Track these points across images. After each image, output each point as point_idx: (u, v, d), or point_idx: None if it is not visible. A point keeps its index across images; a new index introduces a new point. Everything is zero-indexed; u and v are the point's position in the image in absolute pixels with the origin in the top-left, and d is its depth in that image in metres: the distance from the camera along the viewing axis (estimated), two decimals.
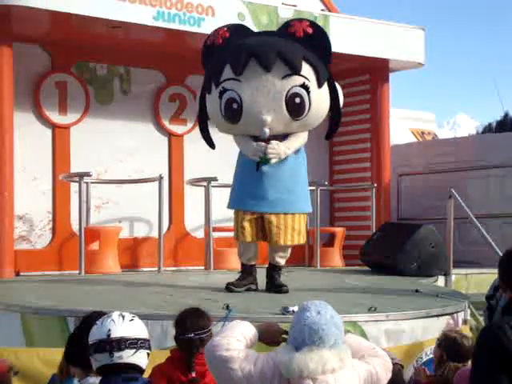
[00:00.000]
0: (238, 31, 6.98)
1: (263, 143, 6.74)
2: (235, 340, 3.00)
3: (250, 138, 6.83)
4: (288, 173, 6.90)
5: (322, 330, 2.90)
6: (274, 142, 6.75)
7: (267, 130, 6.69)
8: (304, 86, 6.78)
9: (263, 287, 7.06)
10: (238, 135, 6.94)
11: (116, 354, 3.01)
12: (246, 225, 6.90)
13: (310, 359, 2.87)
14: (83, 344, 3.15)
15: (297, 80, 6.77)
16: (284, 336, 3.13)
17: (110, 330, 3.03)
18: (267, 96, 6.73)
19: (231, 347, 2.97)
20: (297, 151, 6.96)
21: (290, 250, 7.11)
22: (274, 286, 7.01)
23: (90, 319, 3.35)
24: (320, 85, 6.84)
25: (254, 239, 6.97)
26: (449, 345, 4.71)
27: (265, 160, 6.76)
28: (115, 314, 3.11)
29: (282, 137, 6.84)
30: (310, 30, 6.84)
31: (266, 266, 7.19)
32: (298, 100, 6.77)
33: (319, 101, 6.87)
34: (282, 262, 7.12)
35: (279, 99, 6.73)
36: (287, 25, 7.01)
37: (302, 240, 7.08)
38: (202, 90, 6.99)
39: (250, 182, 6.86)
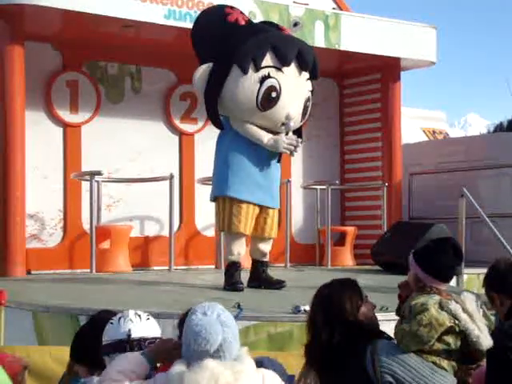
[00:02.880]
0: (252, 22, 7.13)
1: (293, 135, 6.95)
2: (110, 381, 2.85)
3: (264, 131, 6.90)
4: (279, 168, 7.19)
5: (205, 330, 2.73)
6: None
7: (292, 124, 6.89)
8: (312, 92, 7.13)
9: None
10: (252, 125, 6.88)
11: None
12: (253, 217, 6.94)
13: (202, 378, 2.69)
14: (92, 342, 3.16)
15: (311, 85, 7.09)
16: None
17: (130, 329, 3.02)
18: (297, 93, 6.93)
19: None
20: None
21: None
22: (273, 283, 7.03)
23: (99, 318, 3.35)
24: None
25: (250, 233, 7.02)
26: None
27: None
28: (131, 313, 3.10)
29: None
30: None
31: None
32: (308, 104, 7.08)
33: None
34: (268, 255, 7.22)
35: (302, 99, 6.98)
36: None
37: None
38: (221, 68, 6.76)
39: (255, 173, 6.91)
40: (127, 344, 3.00)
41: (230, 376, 2.72)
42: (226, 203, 6.91)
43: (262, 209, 6.98)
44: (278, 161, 7.02)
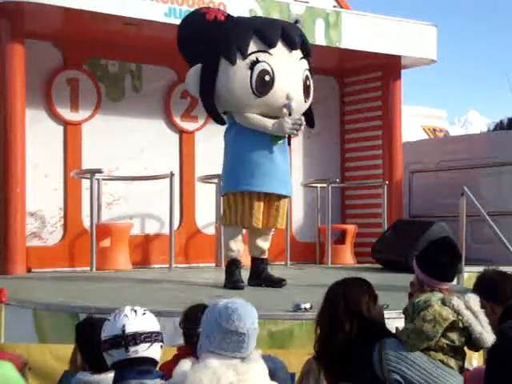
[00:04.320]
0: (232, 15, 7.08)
1: (296, 115, 6.81)
2: None
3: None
4: (287, 154, 7.08)
5: (237, 312, 2.85)
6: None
7: (293, 104, 6.76)
8: (310, 71, 7.03)
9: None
10: (249, 114, 6.82)
11: (132, 349, 3.02)
12: (263, 209, 6.85)
13: (204, 376, 2.74)
14: (88, 349, 3.28)
15: (306, 64, 7.01)
16: None
17: (124, 325, 3.03)
18: (292, 72, 6.87)
19: None
20: None
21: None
22: (274, 281, 7.01)
23: (83, 327, 3.40)
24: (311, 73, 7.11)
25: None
26: None
27: (277, 139, 6.86)
28: (127, 309, 3.11)
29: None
30: None
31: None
32: (308, 82, 7.00)
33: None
34: (267, 252, 7.15)
35: (299, 78, 6.91)
36: None
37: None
38: (210, 65, 6.79)
39: (264, 163, 6.80)
40: (122, 339, 3.01)
41: (232, 376, 2.73)
42: (237, 198, 6.81)
43: (272, 200, 6.92)
44: (289, 143, 6.99)
